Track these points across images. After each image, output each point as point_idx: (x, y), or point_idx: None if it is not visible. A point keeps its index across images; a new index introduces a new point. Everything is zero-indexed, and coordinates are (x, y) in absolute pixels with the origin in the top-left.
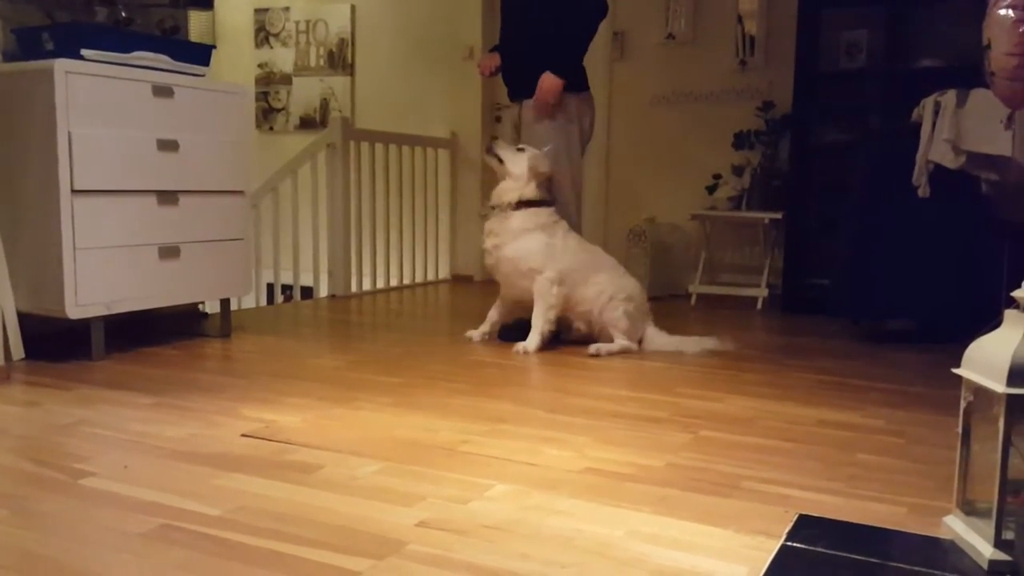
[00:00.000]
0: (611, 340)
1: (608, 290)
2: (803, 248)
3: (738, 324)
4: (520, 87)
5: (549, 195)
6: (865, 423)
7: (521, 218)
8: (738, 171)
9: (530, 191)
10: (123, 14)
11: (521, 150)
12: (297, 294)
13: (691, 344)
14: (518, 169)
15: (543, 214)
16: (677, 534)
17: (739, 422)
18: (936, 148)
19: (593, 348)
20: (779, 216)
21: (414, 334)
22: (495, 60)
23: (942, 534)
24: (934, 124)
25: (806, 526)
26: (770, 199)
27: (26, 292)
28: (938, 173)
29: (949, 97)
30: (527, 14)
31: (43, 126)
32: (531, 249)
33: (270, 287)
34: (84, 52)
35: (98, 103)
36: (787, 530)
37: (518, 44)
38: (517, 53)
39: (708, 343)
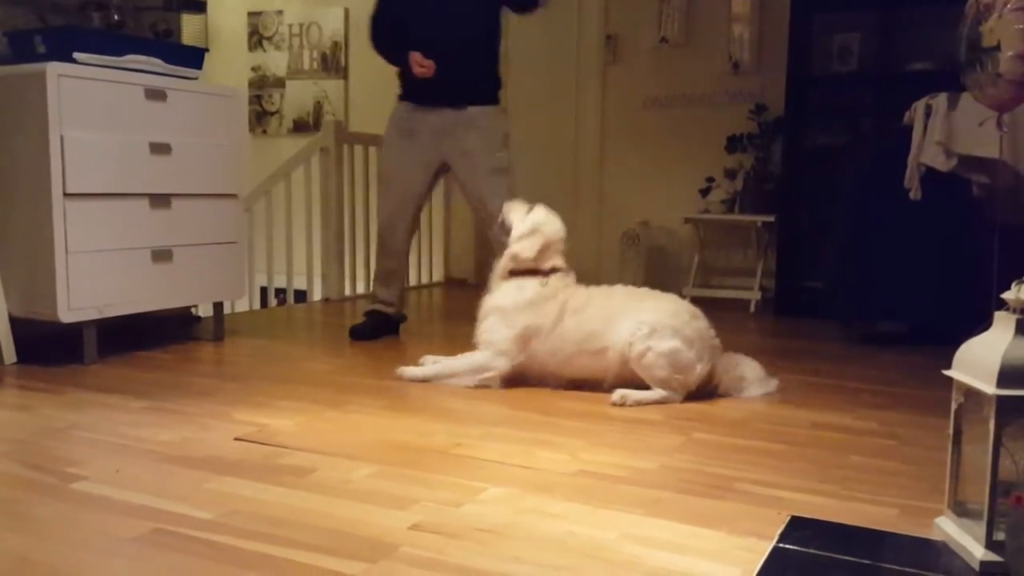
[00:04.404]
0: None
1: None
2: (796, 251)
3: (732, 327)
4: (446, 94)
5: (551, 262)
6: (857, 425)
7: (503, 291)
8: (731, 174)
9: (515, 261)
10: (115, 17)
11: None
12: (290, 297)
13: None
14: (515, 231)
15: (531, 287)
16: (670, 536)
17: (732, 424)
18: (927, 151)
19: (618, 396)
20: (772, 219)
21: (407, 337)
22: (432, 64)
23: (934, 535)
24: (925, 127)
25: (798, 528)
26: (763, 202)
27: (18, 296)
28: (929, 176)
29: (940, 100)
30: (455, 23)
31: (35, 129)
32: (493, 320)
33: (263, 290)
34: (76, 55)
35: (90, 106)
36: (779, 532)
37: (445, 49)
38: (444, 59)
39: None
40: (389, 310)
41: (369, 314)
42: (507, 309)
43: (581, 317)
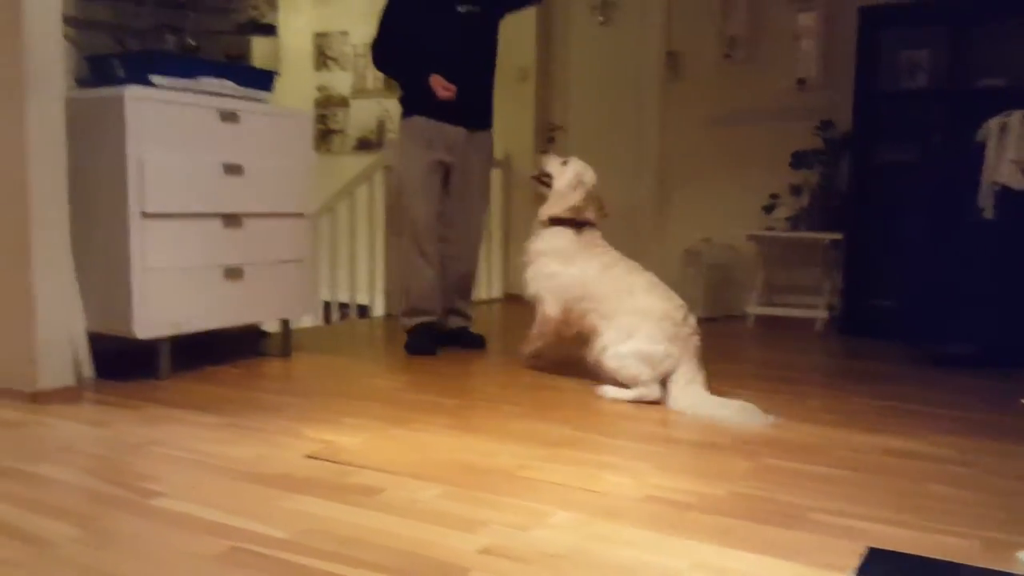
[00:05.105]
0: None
1: (605, 334)
2: (864, 269)
3: (797, 347)
4: (465, 115)
5: (588, 214)
6: (933, 452)
7: (545, 239)
8: (796, 191)
9: (563, 208)
10: (190, 41)
11: (566, 163)
12: (353, 312)
13: (729, 412)
14: (560, 182)
15: (567, 236)
16: (744, 567)
17: (803, 450)
18: (1002, 169)
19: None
20: (839, 237)
21: (469, 353)
22: (455, 87)
23: (1016, 569)
24: (1000, 145)
25: (877, 560)
26: (829, 219)
27: (96, 312)
28: (1004, 194)
29: (1016, 118)
30: (472, 50)
31: (114, 151)
32: (540, 273)
33: (327, 305)
34: (153, 79)
35: (167, 128)
36: (858, 564)
37: (464, 73)
38: (462, 81)
39: (748, 414)
40: (432, 318)
41: (415, 330)
42: (546, 254)
43: (607, 273)
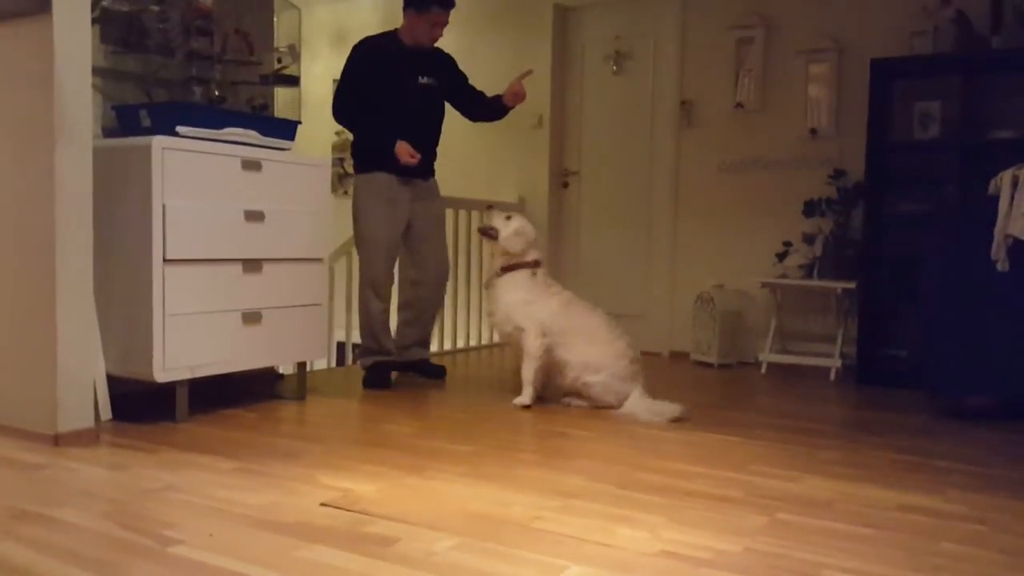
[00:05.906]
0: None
1: (576, 366)
2: (878, 318)
3: (811, 396)
4: (420, 169)
5: (531, 256)
6: (947, 508)
7: (504, 284)
8: (809, 239)
9: (514, 256)
10: (216, 92)
11: (509, 217)
12: None
13: (654, 412)
14: (504, 233)
15: (525, 275)
16: None
17: (817, 504)
18: (1015, 222)
19: (565, 400)
20: (852, 285)
21: (480, 398)
22: (419, 155)
23: None
24: (1012, 197)
25: None
26: (843, 268)
27: (116, 355)
28: (1017, 247)
29: None
30: (428, 117)
31: (139, 199)
32: (512, 310)
33: (340, 346)
34: (179, 129)
35: (191, 177)
36: None
37: (421, 137)
38: (421, 141)
39: (669, 410)
40: (387, 357)
41: (373, 367)
42: (512, 298)
43: (568, 310)
